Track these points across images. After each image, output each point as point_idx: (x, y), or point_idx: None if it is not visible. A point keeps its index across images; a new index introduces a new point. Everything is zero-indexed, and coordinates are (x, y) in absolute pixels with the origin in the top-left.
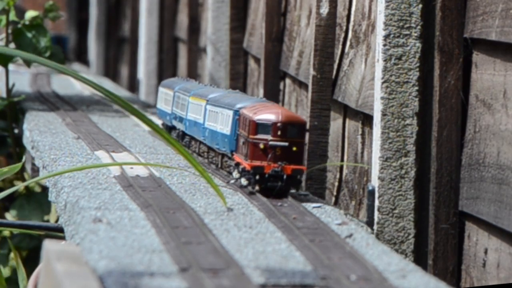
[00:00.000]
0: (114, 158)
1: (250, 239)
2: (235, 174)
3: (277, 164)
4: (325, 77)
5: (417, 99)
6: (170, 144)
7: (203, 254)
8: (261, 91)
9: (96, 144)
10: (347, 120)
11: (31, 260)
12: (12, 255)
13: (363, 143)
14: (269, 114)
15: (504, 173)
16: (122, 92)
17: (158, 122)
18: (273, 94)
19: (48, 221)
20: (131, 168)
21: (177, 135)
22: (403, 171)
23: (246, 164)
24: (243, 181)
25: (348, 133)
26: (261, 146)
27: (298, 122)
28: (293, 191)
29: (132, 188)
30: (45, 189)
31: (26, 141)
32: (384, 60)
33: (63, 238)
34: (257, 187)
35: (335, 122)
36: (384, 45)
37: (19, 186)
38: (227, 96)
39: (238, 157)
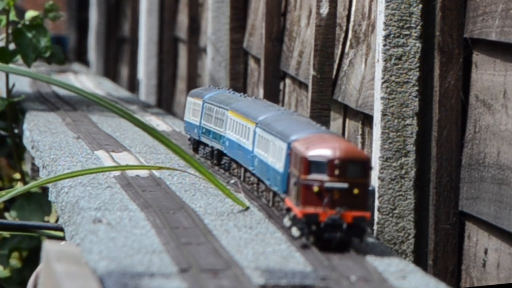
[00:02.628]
0: (114, 158)
1: (250, 239)
2: (286, 221)
3: (335, 210)
4: (325, 77)
5: (417, 99)
6: (165, 145)
7: (203, 255)
8: (261, 91)
9: (96, 144)
10: (347, 120)
11: (31, 261)
12: (12, 255)
13: (363, 143)
14: (324, 149)
15: (504, 173)
16: (122, 92)
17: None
18: (273, 94)
19: (48, 222)
20: None
21: (210, 154)
22: (403, 171)
23: (297, 210)
24: (295, 232)
25: (348, 133)
26: (315, 188)
27: (360, 158)
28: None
29: (132, 188)
30: (45, 189)
31: (26, 141)
32: (384, 60)
33: (63, 238)
34: (311, 239)
35: (335, 122)
36: (384, 45)
37: (20, 190)
38: (281, 121)
39: (289, 201)
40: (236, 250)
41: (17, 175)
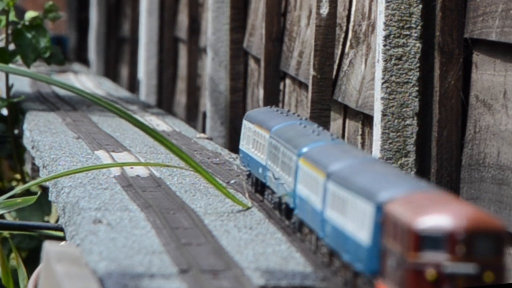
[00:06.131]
0: (114, 158)
1: (250, 240)
2: None
3: None
4: (325, 77)
5: (417, 99)
6: (163, 145)
7: (203, 256)
8: (261, 92)
9: (96, 144)
10: (347, 121)
11: (31, 261)
12: (12, 255)
13: (363, 144)
14: (440, 216)
15: (504, 173)
16: (122, 92)
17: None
18: (273, 95)
19: (48, 221)
20: (131, 168)
21: (277, 205)
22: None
23: None
24: None
25: (348, 133)
26: (430, 274)
27: (492, 229)
28: None
29: (132, 188)
30: (45, 189)
31: (26, 141)
32: (384, 61)
33: (63, 238)
34: None
35: (335, 123)
36: (384, 45)
37: (18, 189)
38: (361, 173)
39: (384, 287)
40: (236, 250)
41: (18, 176)
